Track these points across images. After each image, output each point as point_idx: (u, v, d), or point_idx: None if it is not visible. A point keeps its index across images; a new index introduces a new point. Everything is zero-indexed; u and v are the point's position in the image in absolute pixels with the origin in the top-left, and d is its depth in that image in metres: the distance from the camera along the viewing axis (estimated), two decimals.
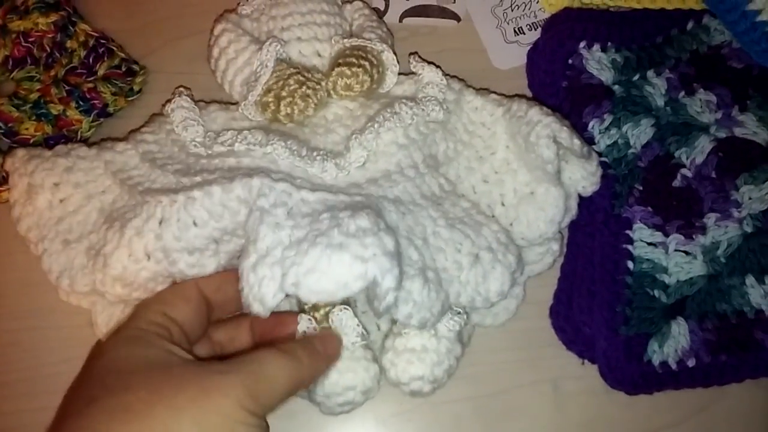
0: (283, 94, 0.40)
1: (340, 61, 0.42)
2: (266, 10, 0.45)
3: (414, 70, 0.45)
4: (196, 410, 0.29)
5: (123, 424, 0.29)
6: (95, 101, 0.48)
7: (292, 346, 0.34)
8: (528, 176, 0.41)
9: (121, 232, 0.36)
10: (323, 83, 0.42)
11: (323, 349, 0.36)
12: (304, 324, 0.37)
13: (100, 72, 0.49)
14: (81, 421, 0.30)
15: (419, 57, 0.46)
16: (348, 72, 0.41)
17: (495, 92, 0.46)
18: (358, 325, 0.37)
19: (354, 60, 0.41)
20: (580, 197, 0.45)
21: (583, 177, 0.42)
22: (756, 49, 0.40)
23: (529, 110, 0.41)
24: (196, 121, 0.42)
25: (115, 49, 0.49)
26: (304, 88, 0.41)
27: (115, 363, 0.32)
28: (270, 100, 0.41)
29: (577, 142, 0.40)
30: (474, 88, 0.46)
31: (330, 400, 0.37)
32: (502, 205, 0.41)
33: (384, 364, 0.38)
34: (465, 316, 0.39)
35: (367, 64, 0.42)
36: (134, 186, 0.39)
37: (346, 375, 0.37)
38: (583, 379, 0.44)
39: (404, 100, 0.41)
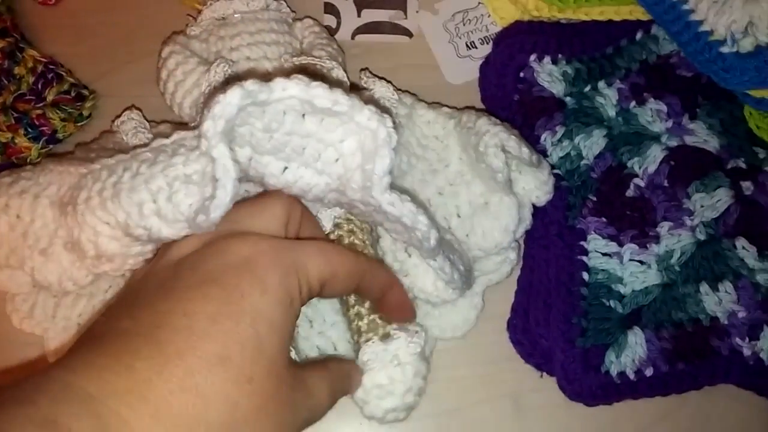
0: None
1: None
2: (215, 31, 0.45)
3: (365, 85, 0.45)
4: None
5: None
6: (44, 128, 0.47)
7: None
8: (482, 187, 0.41)
9: (74, 213, 0.34)
10: None
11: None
12: None
13: (49, 98, 0.48)
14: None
15: (370, 72, 0.46)
16: None
17: (447, 106, 0.46)
18: None
19: None
20: (535, 208, 0.45)
21: (536, 186, 0.42)
22: (700, 59, 0.40)
23: (478, 120, 0.41)
24: (145, 131, 0.42)
25: (64, 74, 0.49)
26: None
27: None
28: None
29: (525, 150, 0.40)
30: (426, 102, 0.46)
31: None
32: (458, 216, 0.41)
33: (356, 402, 0.38)
34: (423, 335, 0.38)
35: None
36: (74, 168, 0.38)
37: None
38: (543, 392, 0.44)
39: None
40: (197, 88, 0.41)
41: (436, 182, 0.42)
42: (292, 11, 0.48)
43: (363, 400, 0.37)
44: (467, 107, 0.47)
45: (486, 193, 0.41)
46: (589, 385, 0.42)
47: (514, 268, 0.44)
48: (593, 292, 0.43)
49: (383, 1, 0.51)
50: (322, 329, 0.42)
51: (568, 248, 0.44)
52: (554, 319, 0.43)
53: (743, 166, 0.44)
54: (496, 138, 0.40)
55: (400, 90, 0.45)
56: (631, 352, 0.43)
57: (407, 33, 0.51)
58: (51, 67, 0.49)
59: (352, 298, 0.38)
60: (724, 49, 0.39)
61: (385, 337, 0.37)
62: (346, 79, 0.44)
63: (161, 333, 0.28)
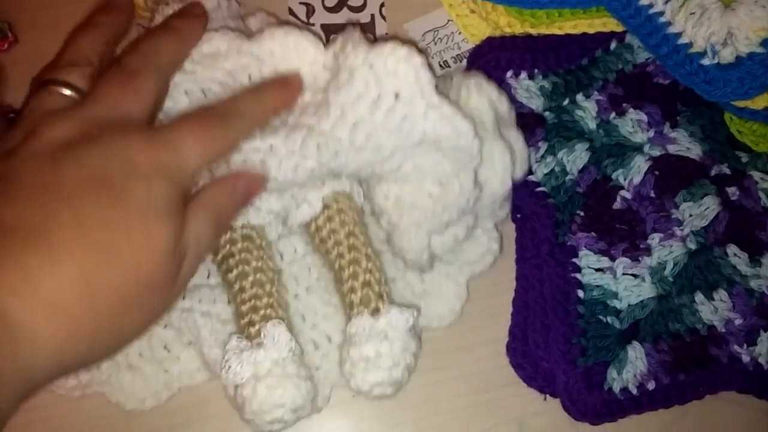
0: None
1: None
2: None
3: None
4: None
5: None
6: None
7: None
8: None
9: None
10: None
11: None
12: None
13: None
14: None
15: None
16: None
17: None
18: (291, 339, 0.37)
19: None
20: (524, 227, 0.45)
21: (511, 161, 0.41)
22: (681, 72, 0.40)
23: (455, 75, 0.41)
24: None
25: None
26: None
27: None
28: None
29: (504, 99, 0.40)
30: None
31: (258, 417, 0.36)
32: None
33: (344, 374, 0.38)
34: (415, 312, 0.38)
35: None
36: None
37: (275, 392, 0.36)
38: (547, 414, 0.43)
39: None
40: None
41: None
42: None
43: (349, 372, 0.37)
44: None
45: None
46: (593, 404, 0.42)
47: (497, 259, 0.44)
48: (590, 310, 0.43)
49: (351, 25, 0.50)
50: (315, 321, 0.43)
51: (560, 266, 0.43)
52: (553, 341, 0.43)
53: (727, 171, 0.45)
54: (476, 79, 0.40)
55: None
56: (632, 367, 0.42)
57: None
58: (12, 116, 0.47)
59: (346, 273, 0.39)
60: (705, 62, 0.39)
61: (376, 311, 0.37)
62: None
63: (52, 232, 0.30)
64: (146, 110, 0.35)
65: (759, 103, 0.39)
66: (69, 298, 0.29)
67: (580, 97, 0.46)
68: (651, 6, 0.41)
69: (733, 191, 0.44)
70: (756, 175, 0.44)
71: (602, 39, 0.47)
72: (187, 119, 0.35)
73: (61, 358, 0.30)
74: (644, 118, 0.45)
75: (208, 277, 0.42)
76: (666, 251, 0.43)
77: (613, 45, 0.47)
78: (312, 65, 0.38)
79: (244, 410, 0.37)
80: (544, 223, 0.44)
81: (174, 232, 0.32)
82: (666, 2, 0.40)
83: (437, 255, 0.40)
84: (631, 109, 0.46)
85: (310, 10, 0.50)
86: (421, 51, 0.35)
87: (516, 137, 0.41)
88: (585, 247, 0.44)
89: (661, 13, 0.41)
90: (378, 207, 0.39)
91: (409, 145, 0.36)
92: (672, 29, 0.40)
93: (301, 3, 0.50)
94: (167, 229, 0.32)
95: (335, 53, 0.37)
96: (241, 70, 0.39)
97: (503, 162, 0.39)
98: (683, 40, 0.40)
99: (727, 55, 0.39)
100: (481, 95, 0.39)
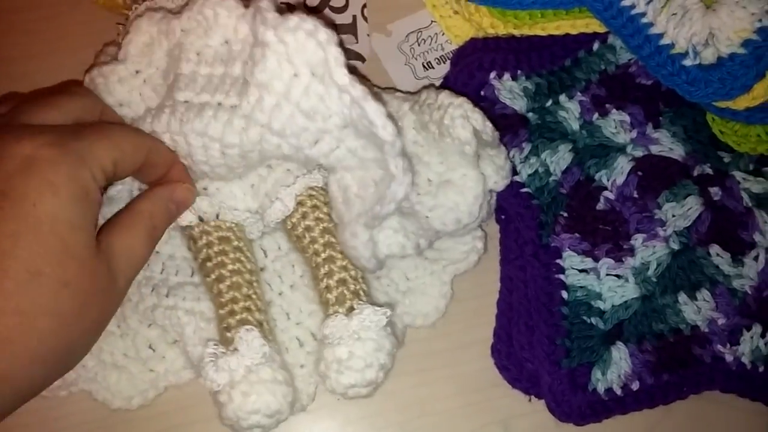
0: None
1: None
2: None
3: None
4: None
5: None
6: None
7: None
8: (441, 167, 0.41)
9: None
10: None
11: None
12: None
13: None
14: None
15: None
16: None
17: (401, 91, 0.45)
18: (263, 345, 0.37)
19: None
20: (507, 228, 0.45)
21: (494, 171, 0.41)
22: (663, 73, 0.40)
23: (439, 95, 0.41)
24: None
25: None
26: None
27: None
28: None
29: (489, 125, 0.40)
30: (376, 89, 0.44)
31: (236, 423, 0.36)
32: (418, 194, 0.40)
33: (320, 375, 0.38)
34: (388, 311, 0.38)
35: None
36: None
37: (249, 398, 0.36)
38: (533, 416, 0.43)
39: None
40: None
41: None
42: None
43: (324, 374, 0.37)
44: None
45: (447, 171, 0.40)
46: (577, 405, 0.42)
47: (481, 257, 0.44)
48: (574, 311, 0.43)
49: (333, 26, 0.49)
50: (300, 320, 0.43)
51: (544, 268, 0.43)
52: (538, 342, 0.43)
53: (710, 171, 0.45)
54: (461, 109, 0.39)
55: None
56: (617, 367, 0.42)
57: (359, 57, 0.50)
58: None
59: (321, 271, 0.39)
60: (687, 62, 0.39)
61: (350, 310, 0.37)
62: None
63: None
64: (57, 120, 0.34)
65: (740, 103, 0.39)
66: (4, 328, 0.29)
67: (563, 97, 0.46)
68: (633, 7, 0.41)
69: (715, 191, 0.44)
70: (738, 175, 0.45)
71: (585, 40, 0.47)
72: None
73: (15, 388, 0.30)
74: (627, 118, 0.46)
75: (192, 275, 0.42)
76: (649, 252, 0.43)
77: (595, 46, 0.47)
78: (229, 33, 0.38)
79: (221, 416, 0.37)
80: (528, 225, 0.44)
81: (89, 236, 0.32)
82: (648, 3, 0.40)
83: (382, 259, 0.39)
84: (614, 110, 0.46)
85: (291, 10, 0.49)
86: (331, 27, 0.35)
87: (497, 154, 0.41)
88: (568, 248, 0.44)
89: (643, 14, 0.41)
90: (331, 198, 0.39)
91: (334, 127, 0.35)
92: (654, 30, 0.40)
93: (282, 3, 0.49)
94: (82, 235, 0.32)
95: (250, 26, 0.36)
96: (179, 48, 0.39)
97: (475, 192, 0.39)
98: (665, 41, 0.40)
99: (708, 56, 0.39)
100: (465, 127, 0.39)
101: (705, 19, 0.38)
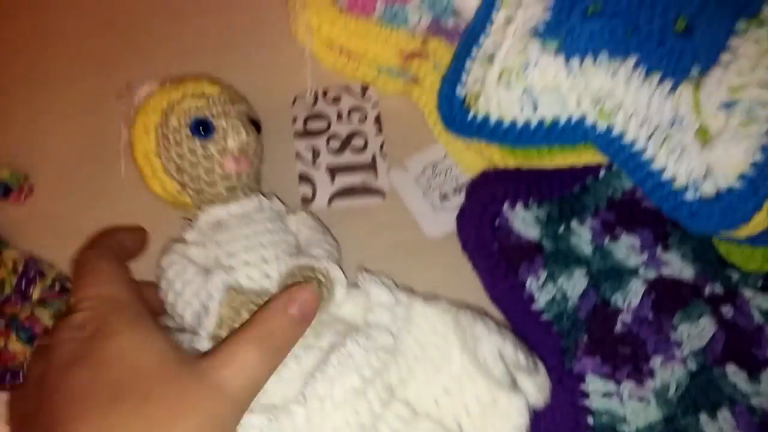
0: (236, 326, 0.40)
1: (289, 282, 0.42)
2: (211, 235, 0.45)
3: (361, 286, 0.45)
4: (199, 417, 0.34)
5: None
6: (35, 327, 0.47)
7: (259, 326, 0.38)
8: (487, 383, 0.41)
9: None
10: None
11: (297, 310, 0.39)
12: None
13: (35, 296, 0.48)
14: (102, 421, 0.33)
15: (366, 271, 0.46)
16: None
17: (446, 300, 0.46)
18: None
19: (303, 281, 0.42)
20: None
21: (535, 391, 0.42)
22: (666, 206, 0.42)
23: (475, 324, 0.43)
24: None
25: (45, 269, 0.49)
26: None
27: (128, 353, 0.36)
28: (224, 333, 0.41)
29: (521, 356, 0.42)
30: (422, 296, 0.45)
31: None
32: (467, 415, 0.41)
33: None
34: None
35: (315, 284, 0.42)
36: None
37: None
38: None
39: (356, 338, 0.41)
40: (196, 298, 0.42)
41: (441, 381, 0.42)
42: (284, 205, 0.49)
43: None
44: (450, 261, 0.48)
45: (493, 389, 0.41)
46: None
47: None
48: None
49: (354, 166, 0.53)
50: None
51: (569, 394, 0.45)
52: None
53: (720, 290, 0.46)
54: (492, 345, 0.41)
55: (395, 284, 0.46)
56: None
57: (380, 193, 0.53)
58: (31, 264, 0.49)
59: None
60: (688, 196, 0.42)
61: None
62: (344, 280, 0.44)
63: None
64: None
65: (742, 232, 0.41)
66: None
67: (574, 223, 0.49)
68: (634, 143, 0.44)
69: (727, 310, 0.46)
70: (747, 292, 0.46)
71: (592, 167, 0.50)
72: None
73: None
74: (637, 242, 0.48)
75: None
76: (668, 373, 0.45)
77: (602, 173, 0.50)
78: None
79: None
80: (551, 351, 0.46)
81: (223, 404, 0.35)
82: (648, 140, 0.43)
83: None
84: (624, 234, 0.48)
85: (316, 153, 0.53)
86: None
87: (533, 382, 0.42)
88: (591, 371, 0.45)
89: (644, 150, 0.43)
90: None
91: None
92: (655, 166, 0.43)
93: (306, 147, 0.53)
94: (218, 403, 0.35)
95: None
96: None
97: (517, 421, 0.40)
98: (666, 176, 0.42)
99: (708, 190, 0.41)
100: (496, 364, 0.41)
101: (702, 155, 0.41)
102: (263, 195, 0.48)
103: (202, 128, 0.45)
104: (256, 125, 0.48)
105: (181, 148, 0.45)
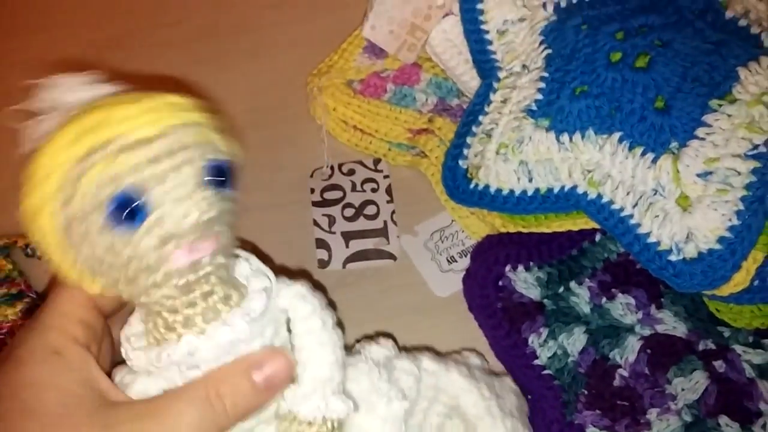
0: None
1: None
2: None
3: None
4: None
5: None
6: None
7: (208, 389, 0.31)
8: None
9: None
10: None
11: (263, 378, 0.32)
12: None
13: None
14: None
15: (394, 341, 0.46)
16: None
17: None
18: None
19: None
20: (533, 408, 0.49)
21: None
22: (653, 267, 0.45)
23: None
24: None
25: None
26: None
27: (35, 390, 0.30)
28: None
29: None
30: (435, 355, 0.47)
31: None
32: None
33: None
34: None
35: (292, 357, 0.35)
36: None
37: None
38: None
39: None
40: None
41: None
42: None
43: None
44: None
45: None
46: None
47: None
48: None
49: (367, 231, 0.58)
50: None
51: None
52: None
53: (712, 346, 0.49)
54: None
55: (416, 349, 0.49)
56: None
57: (392, 256, 0.57)
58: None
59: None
60: (672, 258, 0.45)
61: None
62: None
63: None
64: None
65: (724, 291, 0.45)
66: None
67: (573, 284, 0.52)
68: (622, 210, 0.48)
69: (719, 364, 0.49)
70: (738, 348, 0.49)
71: (588, 232, 0.53)
72: None
73: None
74: (632, 301, 0.51)
75: None
76: (664, 425, 0.47)
77: (597, 237, 0.54)
78: None
79: None
80: (552, 404, 0.49)
81: None
82: (634, 207, 0.47)
83: None
84: (620, 294, 0.51)
85: (332, 220, 0.58)
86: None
87: None
88: (591, 424, 0.48)
89: (631, 216, 0.47)
90: None
91: None
92: (641, 230, 0.47)
93: (323, 215, 0.58)
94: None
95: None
96: None
97: None
98: (652, 239, 0.46)
99: (690, 251, 0.45)
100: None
101: (683, 220, 0.45)
102: (242, 255, 0.36)
103: (128, 212, 0.28)
104: (223, 170, 0.31)
105: (94, 249, 0.29)
